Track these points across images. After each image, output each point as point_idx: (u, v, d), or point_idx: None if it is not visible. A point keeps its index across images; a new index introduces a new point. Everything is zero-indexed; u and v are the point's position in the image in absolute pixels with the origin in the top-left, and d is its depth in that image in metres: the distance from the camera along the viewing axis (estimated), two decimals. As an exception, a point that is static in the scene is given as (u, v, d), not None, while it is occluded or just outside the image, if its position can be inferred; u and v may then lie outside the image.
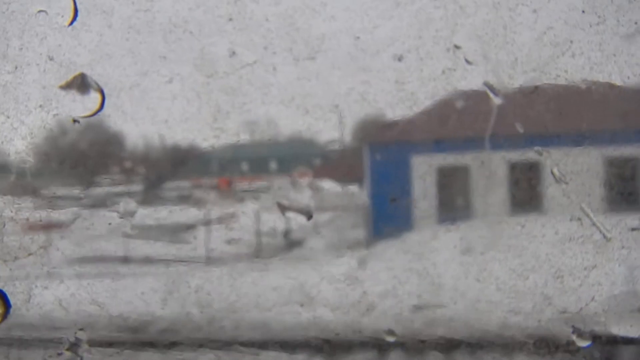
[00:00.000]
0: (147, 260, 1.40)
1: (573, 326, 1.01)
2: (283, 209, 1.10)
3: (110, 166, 1.35)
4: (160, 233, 1.39)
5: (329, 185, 1.45)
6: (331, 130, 1.22)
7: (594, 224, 1.03)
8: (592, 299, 1.02)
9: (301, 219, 1.26)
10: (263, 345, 1.30)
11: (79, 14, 1.07)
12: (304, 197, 1.29)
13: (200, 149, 1.23)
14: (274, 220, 1.39)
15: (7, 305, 1.12)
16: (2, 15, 1.07)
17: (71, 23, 1.07)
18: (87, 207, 1.33)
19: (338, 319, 1.27)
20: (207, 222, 1.45)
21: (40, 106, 1.09)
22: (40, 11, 1.06)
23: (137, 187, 1.39)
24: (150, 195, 1.42)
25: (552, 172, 1.05)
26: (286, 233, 1.44)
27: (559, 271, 1.07)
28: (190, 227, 1.44)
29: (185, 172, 1.41)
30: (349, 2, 1.09)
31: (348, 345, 1.25)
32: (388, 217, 1.38)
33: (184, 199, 1.46)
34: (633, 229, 1.03)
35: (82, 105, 1.07)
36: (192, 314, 1.33)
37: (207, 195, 1.48)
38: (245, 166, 1.42)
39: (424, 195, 1.33)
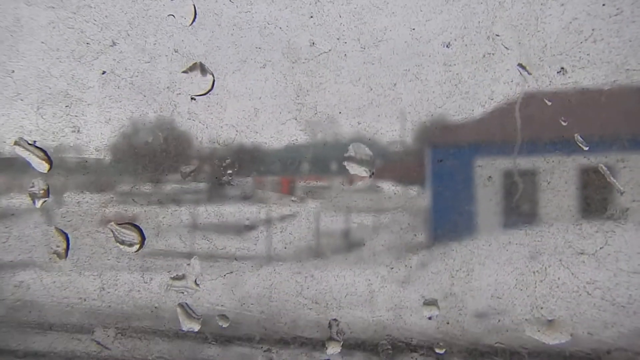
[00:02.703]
0: (211, 257, 1.43)
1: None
2: (349, 161, 1.35)
3: (179, 164, 1.45)
4: (223, 230, 1.43)
5: (389, 186, 1.41)
6: (392, 127, 1.32)
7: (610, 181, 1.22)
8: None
9: (363, 220, 1.39)
10: (320, 343, 1.36)
11: (197, 16, 1.39)
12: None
13: (263, 149, 1.37)
14: (334, 221, 1.39)
15: (143, 237, 1.47)
16: (143, 19, 1.41)
17: (192, 23, 1.39)
18: (156, 204, 1.44)
19: (396, 321, 1.33)
20: (268, 221, 1.44)
21: (168, 87, 1.43)
22: (169, 15, 1.39)
23: (202, 185, 1.46)
24: (215, 194, 1.45)
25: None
26: (346, 233, 1.42)
27: None
28: (252, 225, 1.45)
29: (248, 171, 1.43)
30: (406, 0, 1.33)
31: (406, 348, 1.32)
32: (450, 220, 1.34)
33: (247, 198, 1.45)
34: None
35: (199, 86, 1.40)
36: (252, 310, 1.41)
37: (268, 195, 1.45)
38: (306, 166, 1.40)
39: (488, 199, 1.31)
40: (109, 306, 1.51)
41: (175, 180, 1.46)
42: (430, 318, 1.33)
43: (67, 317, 1.57)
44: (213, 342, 1.46)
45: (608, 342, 1.23)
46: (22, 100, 1.49)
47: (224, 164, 1.42)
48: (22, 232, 1.53)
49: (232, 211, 1.48)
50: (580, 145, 1.23)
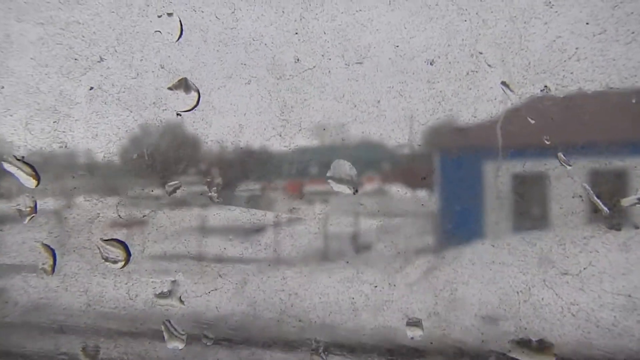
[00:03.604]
0: (219, 259, 1.43)
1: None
2: (331, 180, 1.34)
3: (187, 168, 1.46)
4: (231, 233, 1.42)
5: (397, 190, 1.37)
6: (396, 133, 1.35)
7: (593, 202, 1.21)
8: None
9: (369, 223, 1.37)
10: (328, 348, 1.36)
11: (184, 32, 1.40)
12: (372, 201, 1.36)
13: (271, 152, 1.37)
14: (341, 224, 1.38)
15: (128, 254, 1.48)
16: (130, 36, 1.42)
17: (178, 40, 1.40)
18: (165, 207, 1.45)
19: (403, 325, 1.32)
20: (276, 224, 1.45)
21: (154, 103, 1.44)
22: (156, 31, 1.40)
23: (211, 188, 1.45)
24: (223, 196, 1.45)
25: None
26: (354, 237, 1.41)
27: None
28: (260, 228, 1.45)
29: (257, 174, 1.43)
30: (390, 18, 1.33)
31: (414, 353, 1.31)
32: (458, 224, 1.34)
33: (255, 201, 1.46)
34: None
35: (184, 102, 1.41)
36: (260, 313, 1.41)
37: (276, 198, 1.44)
38: (314, 170, 1.39)
39: (497, 203, 1.30)
40: (95, 322, 1.52)
41: (160, 196, 1.46)
42: (412, 338, 1.31)
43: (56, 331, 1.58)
44: (222, 345, 1.45)
45: (592, 364, 1.21)
46: (11, 116, 1.50)
47: (208, 180, 1.42)
48: (9, 248, 1.54)
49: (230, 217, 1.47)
50: (563, 163, 1.22)
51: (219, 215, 1.46)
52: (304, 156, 1.39)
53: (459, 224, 1.35)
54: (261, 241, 1.45)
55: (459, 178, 1.36)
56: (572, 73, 1.21)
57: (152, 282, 1.48)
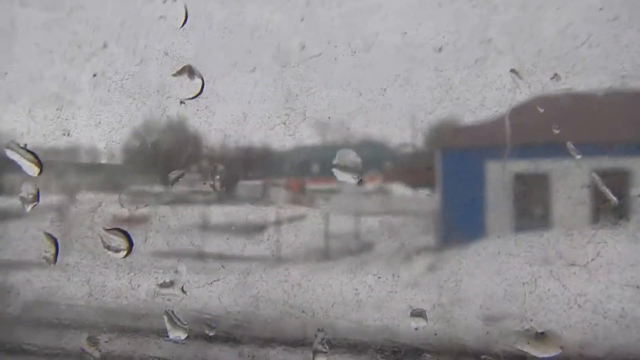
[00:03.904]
0: (220, 257, 1.42)
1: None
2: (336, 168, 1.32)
3: (189, 165, 1.46)
4: (232, 231, 1.41)
5: (399, 189, 1.40)
6: (399, 130, 1.33)
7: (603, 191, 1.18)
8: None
9: (371, 222, 1.34)
10: (331, 339, 1.33)
11: (189, 18, 1.38)
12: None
13: (273, 150, 1.36)
14: (343, 223, 1.39)
15: (131, 243, 1.46)
16: (134, 21, 1.40)
17: (182, 25, 1.38)
18: (166, 204, 1.45)
19: (405, 324, 1.30)
20: (277, 222, 1.43)
21: (157, 91, 1.42)
22: (160, 17, 1.38)
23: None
24: (225, 194, 1.44)
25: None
26: (355, 236, 1.42)
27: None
28: (261, 226, 1.44)
29: (258, 172, 1.44)
30: (398, 5, 1.30)
31: (417, 344, 1.29)
32: (460, 223, 1.33)
33: (256, 199, 1.45)
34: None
35: (188, 89, 1.39)
36: (261, 311, 1.40)
37: (278, 196, 1.44)
38: (316, 168, 1.40)
39: (499, 203, 1.30)
40: (97, 312, 1.51)
41: (163, 185, 1.45)
42: (417, 329, 1.29)
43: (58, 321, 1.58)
44: (223, 343, 1.44)
45: (600, 356, 1.18)
46: (14, 103, 1.49)
47: (211, 169, 1.41)
48: (12, 236, 1.53)
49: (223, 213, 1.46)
50: (572, 153, 1.19)
51: (221, 207, 1.45)
52: (307, 146, 1.37)
53: (465, 216, 1.33)
54: (264, 234, 1.44)
55: (465, 169, 1.34)
56: (584, 60, 1.18)
57: (154, 272, 1.46)
